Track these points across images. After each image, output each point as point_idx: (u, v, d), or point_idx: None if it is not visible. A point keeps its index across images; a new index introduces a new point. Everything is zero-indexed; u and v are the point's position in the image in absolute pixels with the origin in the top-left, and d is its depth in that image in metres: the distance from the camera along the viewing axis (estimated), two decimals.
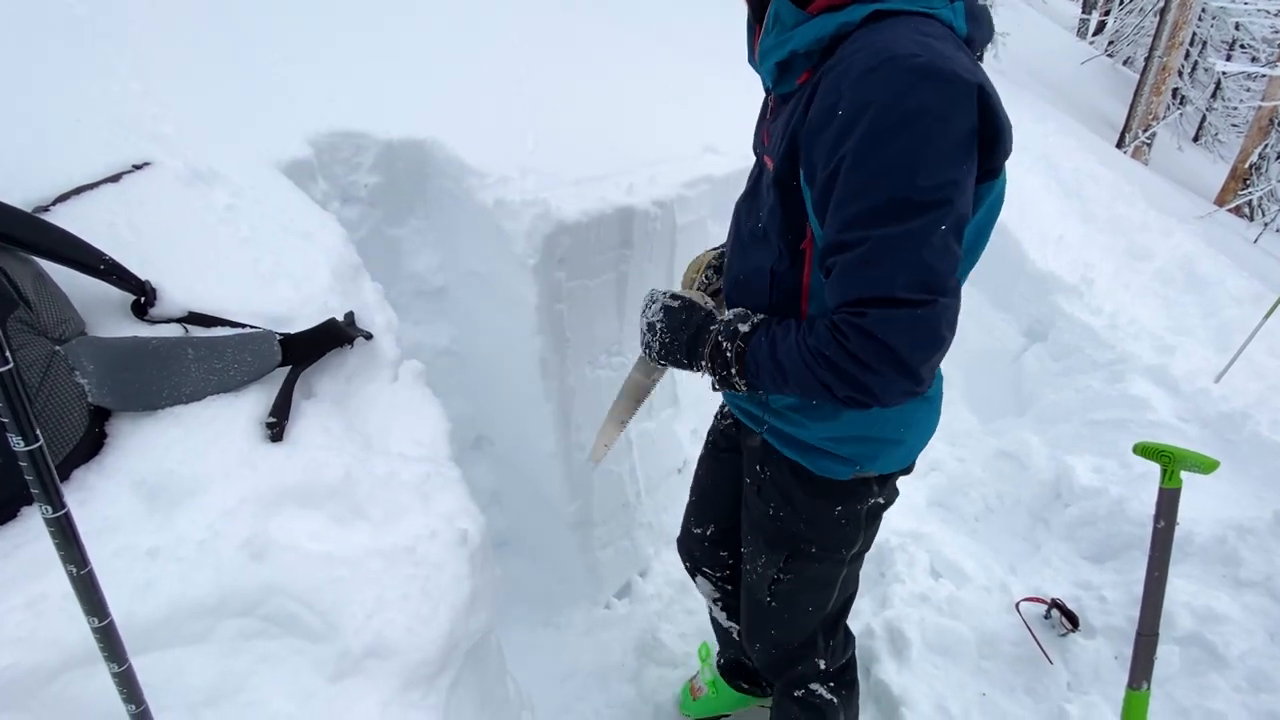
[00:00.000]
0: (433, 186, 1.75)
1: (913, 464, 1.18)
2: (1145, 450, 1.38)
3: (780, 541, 1.20)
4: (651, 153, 2.12)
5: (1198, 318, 2.99)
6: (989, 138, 0.82)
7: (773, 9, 0.89)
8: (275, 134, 1.52)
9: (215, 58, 1.59)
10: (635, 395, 1.34)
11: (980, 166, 0.82)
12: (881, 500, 1.16)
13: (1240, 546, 1.89)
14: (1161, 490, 1.36)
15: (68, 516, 0.49)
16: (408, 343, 1.72)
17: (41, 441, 0.45)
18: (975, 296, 3.14)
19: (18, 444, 0.44)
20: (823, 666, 1.33)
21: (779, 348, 0.90)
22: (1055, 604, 1.92)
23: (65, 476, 0.85)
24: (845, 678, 1.38)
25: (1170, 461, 1.33)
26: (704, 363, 1.00)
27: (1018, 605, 1.97)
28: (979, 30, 0.89)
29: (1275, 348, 2.86)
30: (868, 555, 2.17)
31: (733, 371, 0.96)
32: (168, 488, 0.86)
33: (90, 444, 0.86)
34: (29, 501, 0.80)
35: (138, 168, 1.26)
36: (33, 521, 0.81)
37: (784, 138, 0.90)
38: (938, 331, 0.80)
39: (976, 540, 2.38)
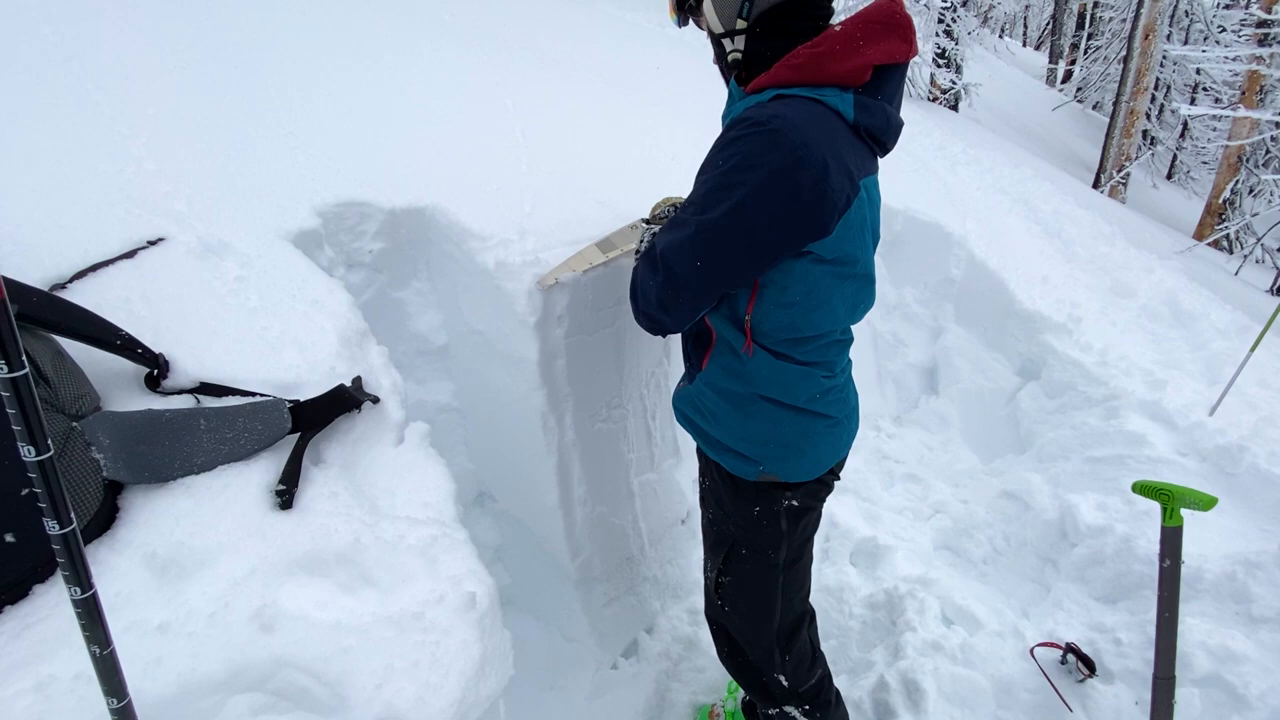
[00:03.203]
0: (435, 250, 1.81)
1: (826, 480, 1.35)
2: (1144, 489, 1.40)
3: (719, 543, 1.41)
4: (644, 209, 2.20)
5: (1186, 351, 3.03)
6: (803, 199, 1.01)
7: (730, 87, 1.21)
8: (283, 206, 1.57)
9: (225, 134, 1.66)
10: (604, 249, 1.70)
11: (796, 223, 1.04)
12: (796, 503, 1.32)
13: (1250, 582, 1.87)
14: (1164, 529, 1.37)
15: (95, 598, 0.50)
16: (411, 401, 1.74)
17: (75, 525, 0.46)
18: (967, 336, 3.19)
19: (53, 527, 0.45)
20: (785, 683, 1.46)
21: (638, 264, 1.24)
22: (1070, 648, 1.89)
23: None
24: (819, 699, 1.51)
25: (1170, 499, 1.34)
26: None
27: (1032, 651, 1.94)
28: (869, 118, 1.09)
29: (1265, 378, 2.90)
30: (877, 604, 2.15)
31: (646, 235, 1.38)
32: (178, 560, 0.87)
33: (104, 518, 0.87)
34: (42, 579, 0.81)
35: (152, 243, 1.31)
36: (42, 600, 0.81)
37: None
38: (651, 294, 1.16)
39: (986, 584, 2.35)
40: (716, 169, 1.06)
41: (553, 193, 1.99)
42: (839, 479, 1.43)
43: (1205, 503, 1.31)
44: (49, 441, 0.44)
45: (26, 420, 0.42)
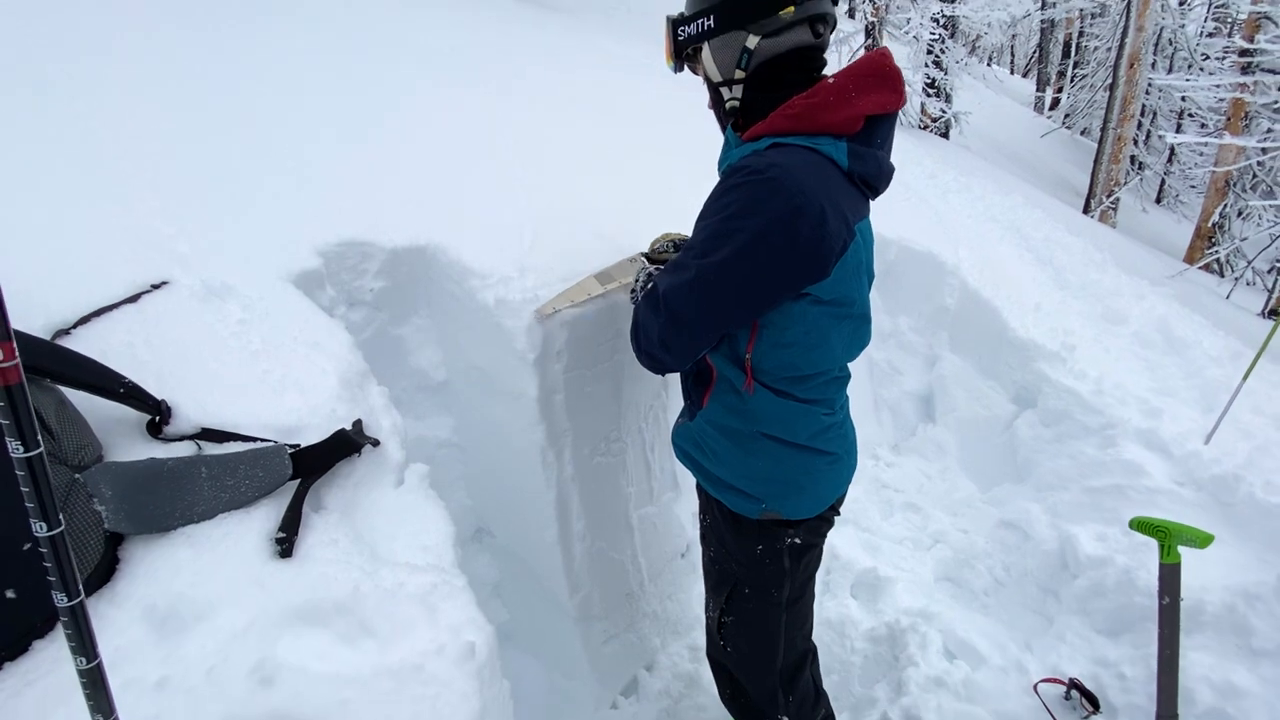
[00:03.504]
0: (436, 288, 1.83)
1: (827, 517, 1.36)
2: (1141, 525, 1.40)
3: (722, 583, 1.41)
4: (643, 244, 2.23)
5: (1180, 379, 3.06)
6: (801, 245, 1.04)
7: (726, 134, 1.24)
8: (286, 246, 1.59)
9: (230, 173, 1.69)
10: (603, 280, 1.74)
11: (795, 268, 1.07)
12: (798, 540, 1.32)
13: (1250, 614, 1.86)
14: (1162, 566, 1.37)
15: (100, 668, 0.51)
16: (411, 437, 1.75)
17: (83, 596, 0.47)
18: (962, 364, 3.21)
19: (61, 599, 0.46)
20: None
21: (639, 300, 1.29)
22: (1074, 684, 1.87)
23: None
24: None
25: (1167, 537, 1.35)
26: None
27: (1035, 687, 1.92)
28: (863, 166, 1.12)
29: (1259, 405, 2.91)
30: (879, 638, 2.14)
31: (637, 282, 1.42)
32: (177, 612, 0.87)
33: (105, 570, 0.87)
34: (41, 635, 0.80)
35: (155, 287, 1.32)
36: (43, 655, 0.80)
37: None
38: (653, 334, 1.18)
39: (988, 616, 2.33)
40: (717, 215, 1.09)
41: (552, 228, 2.01)
42: (839, 514, 1.43)
43: (1202, 540, 1.31)
44: (60, 515, 0.44)
45: (40, 497, 0.43)
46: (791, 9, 1.09)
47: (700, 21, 1.14)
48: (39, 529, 0.43)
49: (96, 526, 0.87)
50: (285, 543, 0.97)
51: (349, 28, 2.78)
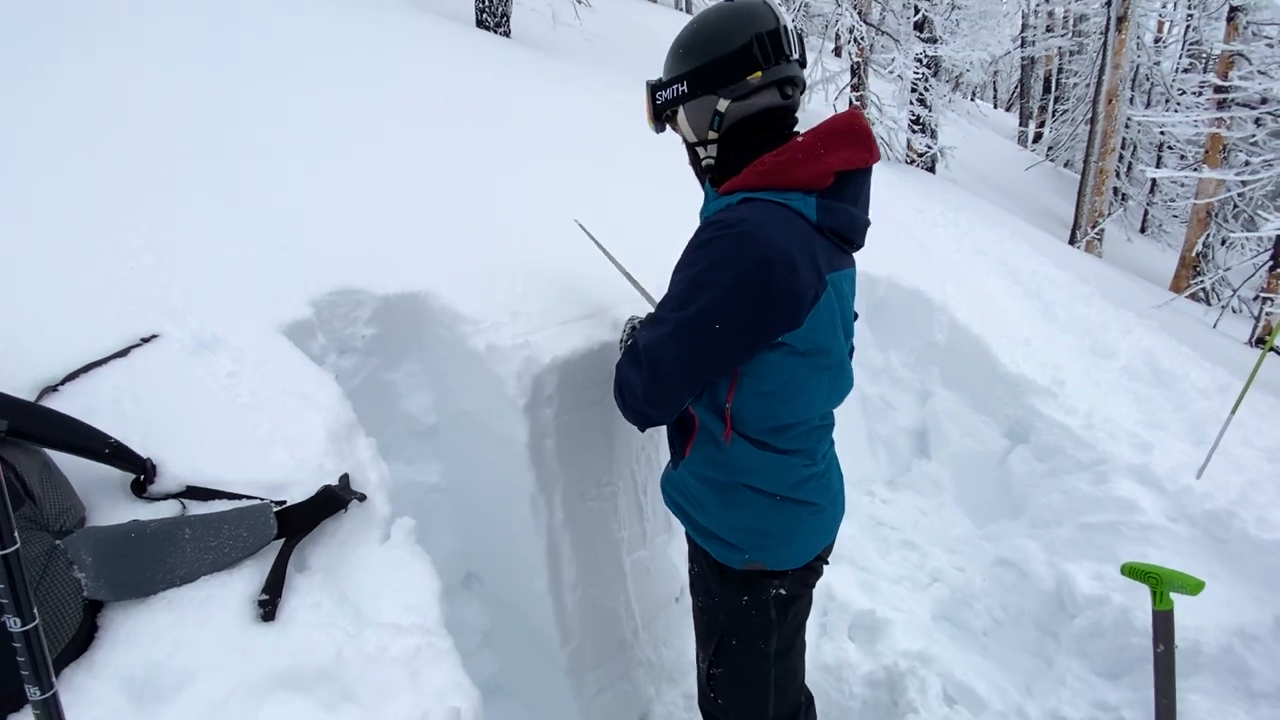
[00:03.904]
0: (427, 333, 1.84)
1: (814, 566, 1.35)
2: (1133, 572, 1.40)
3: (710, 634, 1.41)
4: (633, 288, 2.25)
5: (1169, 412, 3.08)
6: (773, 295, 1.08)
7: (705, 189, 1.32)
8: (278, 296, 1.60)
9: (224, 222, 1.70)
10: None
11: (768, 316, 1.10)
12: (784, 591, 1.32)
13: (1248, 655, 1.85)
14: (1155, 613, 1.37)
15: None
16: (400, 482, 1.74)
17: (55, 689, 0.46)
18: (954, 399, 3.23)
19: (34, 693, 0.45)
20: None
21: (621, 357, 1.31)
22: None
23: (56, 675, 0.83)
24: None
25: (1158, 583, 1.35)
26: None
27: None
28: (832, 219, 1.16)
29: (1249, 437, 2.93)
30: (877, 682, 2.10)
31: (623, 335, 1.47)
32: (156, 681, 0.85)
33: (82, 639, 0.86)
34: (16, 709, 0.79)
35: (146, 340, 1.32)
36: None
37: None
38: (646, 397, 1.20)
39: (987, 658, 2.30)
40: (691, 269, 1.14)
41: (544, 273, 2.04)
42: (828, 563, 1.43)
43: (1193, 587, 1.31)
44: (34, 611, 0.44)
45: (14, 594, 0.43)
46: (759, 74, 1.14)
47: (675, 87, 1.21)
48: (13, 624, 0.43)
49: (75, 595, 0.86)
50: (268, 605, 0.96)
51: (337, 77, 2.84)
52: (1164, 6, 12.50)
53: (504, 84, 3.87)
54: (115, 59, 2.16)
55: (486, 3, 5.48)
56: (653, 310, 1.92)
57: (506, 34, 5.55)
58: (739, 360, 1.17)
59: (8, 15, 2.10)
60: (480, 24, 5.51)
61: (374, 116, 2.59)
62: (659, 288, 1.81)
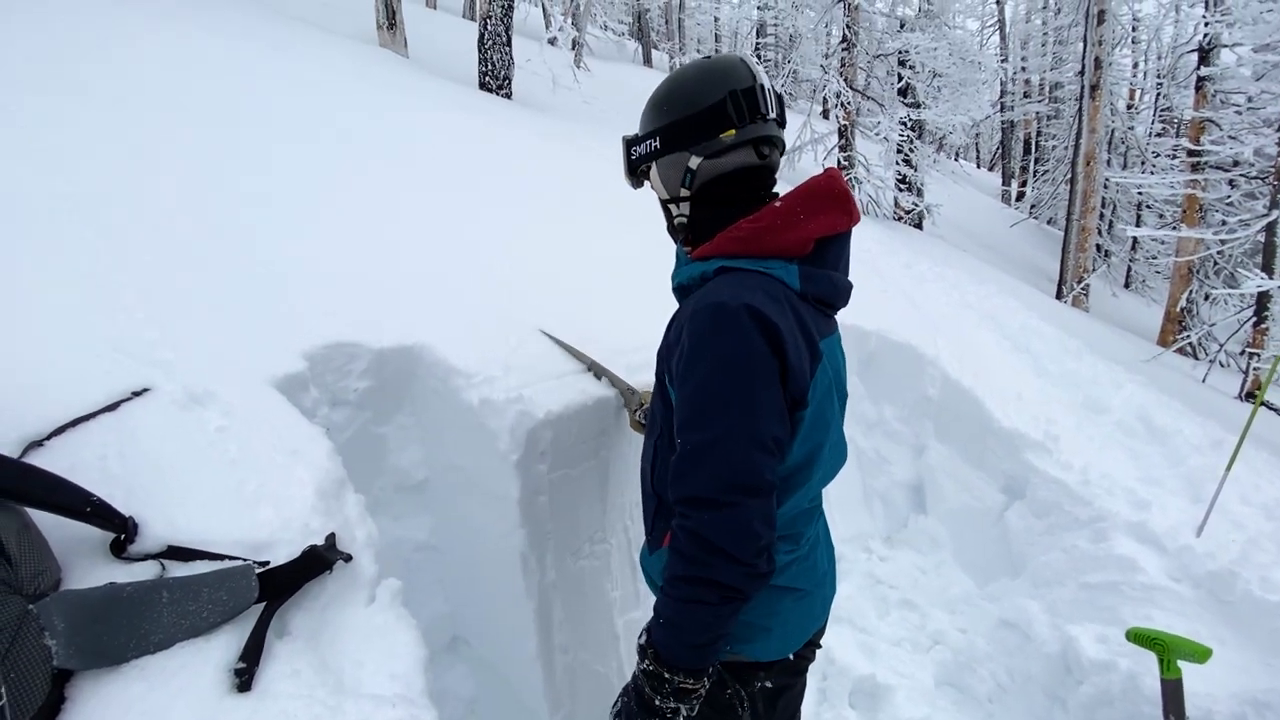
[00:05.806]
0: (420, 386, 1.83)
1: (804, 654, 1.26)
2: (1138, 638, 1.37)
3: None
4: (626, 340, 2.26)
5: (1165, 468, 3.06)
6: (792, 375, 1.01)
7: (677, 249, 1.26)
8: (271, 349, 1.60)
9: (218, 277, 1.71)
10: (598, 371, 1.76)
11: (787, 394, 1.02)
12: (770, 684, 1.22)
13: None
14: (1163, 682, 1.33)
15: None
16: (387, 539, 1.69)
17: None
18: (948, 454, 3.21)
19: None
20: None
21: (660, 616, 1.04)
22: None
23: None
24: None
25: (1165, 650, 1.31)
26: (654, 696, 1.06)
27: None
28: (815, 287, 1.11)
29: (1246, 494, 2.91)
30: None
31: (662, 671, 1.04)
32: None
33: (49, 712, 0.82)
34: None
35: (136, 394, 1.31)
36: None
37: (665, 345, 1.18)
38: (750, 527, 0.97)
39: None
40: (696, 378, 1.01)
41: (537, 327, 2.05)
42: (820, 647, 1.33)
43: (1201, 654, 1.28)
44: (2, 689, 0.42)
45: None
46: (732, 132, 1.11)
47: (648, 142, 1.17)
48: None
49: (44, 664, 0.82)
50: (244, 675, 0.92)
51: (331, 133, 2.92)
52: (1135, 76, 13.15)
53: (502, 142, 3.99)
54: (107, 106, 2.22)
55: (489, 66, 5.71)
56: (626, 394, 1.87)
57: (508, 96, 5.76)
58: (782, 422, 1.03)
59: None
60: (483, 86, 5.72)
61: (371, 173, 2.66)
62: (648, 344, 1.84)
